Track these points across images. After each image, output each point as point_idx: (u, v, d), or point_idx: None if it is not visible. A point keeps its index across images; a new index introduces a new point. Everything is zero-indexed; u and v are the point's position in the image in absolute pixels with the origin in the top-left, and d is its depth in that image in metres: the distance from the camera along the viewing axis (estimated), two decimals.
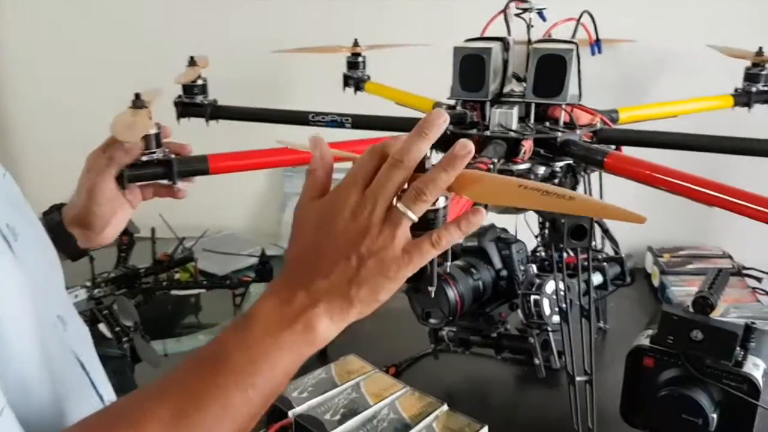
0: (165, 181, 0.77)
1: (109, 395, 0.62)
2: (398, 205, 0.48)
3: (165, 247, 1.25)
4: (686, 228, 1.41)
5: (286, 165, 0.82)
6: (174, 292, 1.19)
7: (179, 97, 1.04)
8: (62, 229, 0.74)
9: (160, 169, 0.75)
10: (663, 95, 1.09)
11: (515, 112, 0.85)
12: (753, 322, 0.81)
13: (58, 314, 0.56)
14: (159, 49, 1.40)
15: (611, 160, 0.78)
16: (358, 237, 0.48)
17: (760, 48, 1.04)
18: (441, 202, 0.53)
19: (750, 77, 1.05)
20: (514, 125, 0.85)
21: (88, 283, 1.12)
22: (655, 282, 1.31)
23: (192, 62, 1.02)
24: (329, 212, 0.49)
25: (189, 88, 1.02)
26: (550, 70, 0.84)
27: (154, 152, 0.75)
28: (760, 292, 1.18)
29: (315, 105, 1.07)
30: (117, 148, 0.73)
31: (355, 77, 1.23)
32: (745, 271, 1.24)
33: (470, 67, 0.86)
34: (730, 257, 1.33)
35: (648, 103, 1.03)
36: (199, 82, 1.02)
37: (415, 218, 0.49)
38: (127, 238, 1.24)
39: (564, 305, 0.79)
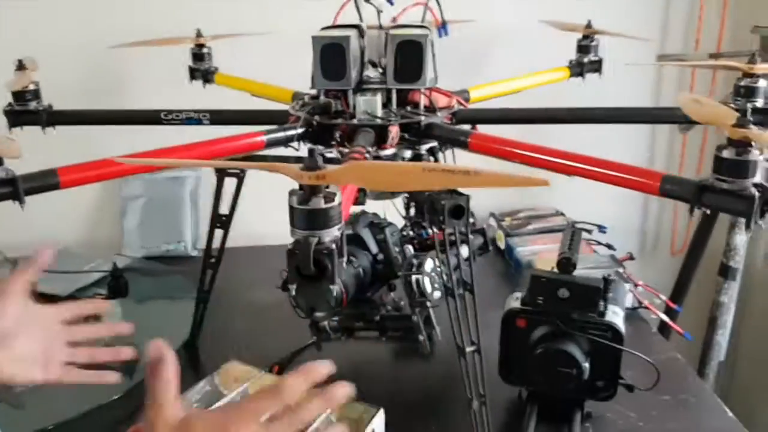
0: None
1: None
2: None
3: None
4: (520, 191, 1.52)
5: (144, 172, 0.76)
6: None
7: (9, 105, 0.92)
8: None
9: (3, 189, 0.66)
10: (504, 72, 1.15)
11: (379, 98, 0.86)
12: (609, 275, 0.89)
13: None
14: None
15: (474, 140, 0.81)
16: None
17: (589, 21, 1.14)
18: (337, 200, 0.53)
19: (582, 49, 1.14)
20: (379, 112, 0.86)
21: None
22: (501, 245, 1.40)
23: (20, 66, 0.90)
24: None
25: (20, 95, 0.90)
26: (408, 55, 0.85)
27: None
28: (593, 243, 1.31)
29: (163, 102, 1.00)
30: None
31: (201, 69, 1.16)
32: (577, 226, 1.37)
33: (330, 56, 0.84)
34: (562, 214, 1.46)
35: (492, 80, 1.09)
36: (31, 87, 0.91)
37: None
38: None
39: (449, 282, 0.82)
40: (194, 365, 1.05)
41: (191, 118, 0.93)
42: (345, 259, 0.55)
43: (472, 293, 0.82)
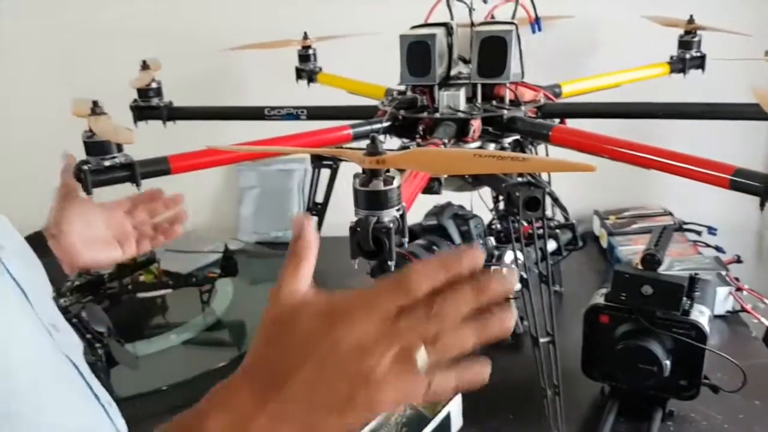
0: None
1: (104, 396, 0.63)
2: (419, 360, 0.42)
3: None
4: (629, 190, 1.48)
5: (242, 160, 0.85)
6: (140, 294, 1.19)
7: (135, 101, 1.04)
8: (37, 234, 0.78)
9: (123, 172, 0.76)
10: (604, 67, 1.14)
11: (462, 93, 0.89)
12: (696, 273, 0.87)
13: (51, 323, 0.58)
14: (107, 53, 1.39)
15: (556, 133, 0.83)
16: (359, 381, 0.41)
17: (691, 16, 1.10)
18: (396, 183, 0.57)
19: (683, 45, 1.11)
20: (462, 106, 0.89)
21: (53, 294, 1.12)
22: (604, 243, 1.38)
23: (144, 66, 1.02)
24: (331, 333, 0.42)
25: (144, 92, 1.03)
26: (493, 51, 0.88)
27: (115, 157, 0.77)
28: (701, 244, 1.26)
29: (272, 99, 1.09)
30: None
31: (307, 70, 1.25)
32: (685, 227, 1.32)
33: (416, 53, 0.89)
34: (671, 214, 1.41)
35: (590, 75, 1.08)
36: (154, 85, 1.03)
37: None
38: None
39: (524, 273, 0.83)
40: None
41: (290, 114, 1.00)
42: (407, 239, 0.59)
43: (548, 285, 0.83)
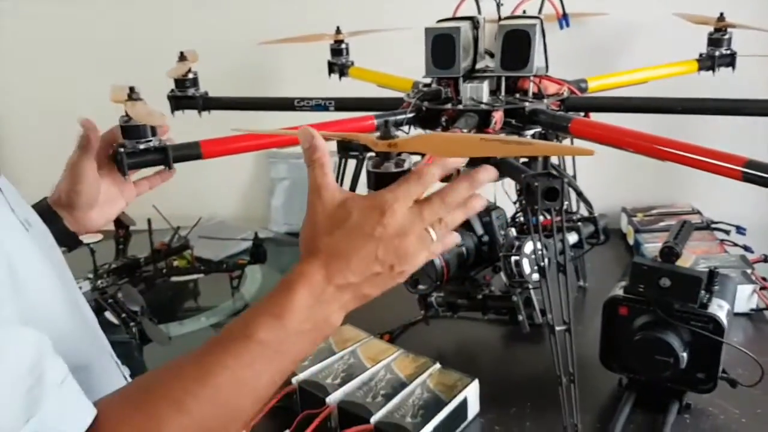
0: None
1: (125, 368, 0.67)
2: (434, 236, 0.57)
3: (161, 237, 1.29)
4: (658, 188, 1.48)
5: (271, 147, 0.88)
6: (174, 278, 1.24)
7: (172, 91, 1.09)
8: (49, 210, 0.77)
9: (157, 155, 0.80)
10: (634, 64, 1.14)
11: (486, 85, 0.91)
12: (716, 268, 0.87)
13: (75, 298, 0.62)
14: (147, 46, 1.44)
15: (575, 125, 0.84)
16: (401, 254, 0.55)
17: (722, 14, 1.10)
18: (406, 165, 0.60)
19: (713, 42, 1.11)
20: (485, 98, 0.91)
21: (91, 275, 1.17)
22: (630, 240, 1.37)
23: (182, 57, 1.07)
24: (381, 221, 0.54)
25: (181, 82, 1.07)
26: (517, 44, 0.89)
27: (150, 140, 0.80)
28: (728, 243, 1.25)
29: (304, 91, 1.12)
30: (91, 129, 0.77)
31: (339, 63, 1.28)
32: (713, 225, 1.31)
33: (441, 45, 0.91)
34: (699, 213, 1.40)
35: (619, 71, 1.09)
36: (190, 75, 1.08)
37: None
38: (124, 231, 1.29)
39: (542, 263, 0.84)
40: None
41: (319, 105, 1.03)
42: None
43: (565, 274, 0.84)
